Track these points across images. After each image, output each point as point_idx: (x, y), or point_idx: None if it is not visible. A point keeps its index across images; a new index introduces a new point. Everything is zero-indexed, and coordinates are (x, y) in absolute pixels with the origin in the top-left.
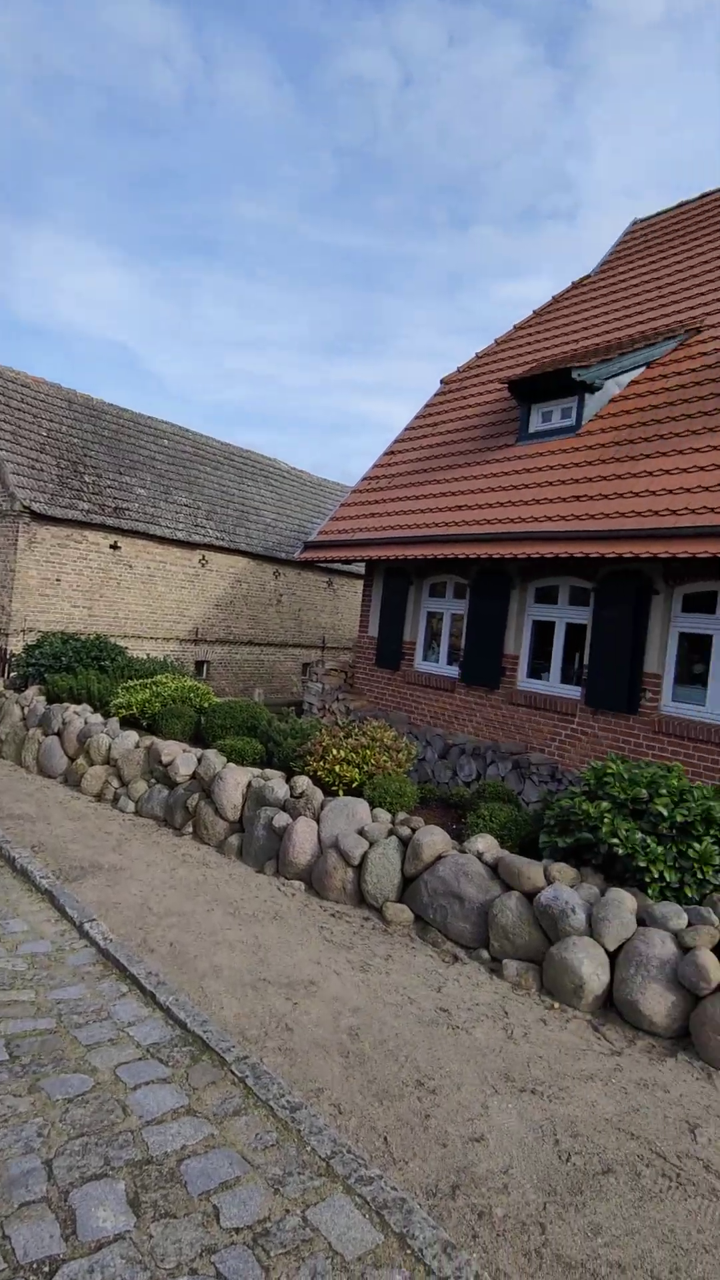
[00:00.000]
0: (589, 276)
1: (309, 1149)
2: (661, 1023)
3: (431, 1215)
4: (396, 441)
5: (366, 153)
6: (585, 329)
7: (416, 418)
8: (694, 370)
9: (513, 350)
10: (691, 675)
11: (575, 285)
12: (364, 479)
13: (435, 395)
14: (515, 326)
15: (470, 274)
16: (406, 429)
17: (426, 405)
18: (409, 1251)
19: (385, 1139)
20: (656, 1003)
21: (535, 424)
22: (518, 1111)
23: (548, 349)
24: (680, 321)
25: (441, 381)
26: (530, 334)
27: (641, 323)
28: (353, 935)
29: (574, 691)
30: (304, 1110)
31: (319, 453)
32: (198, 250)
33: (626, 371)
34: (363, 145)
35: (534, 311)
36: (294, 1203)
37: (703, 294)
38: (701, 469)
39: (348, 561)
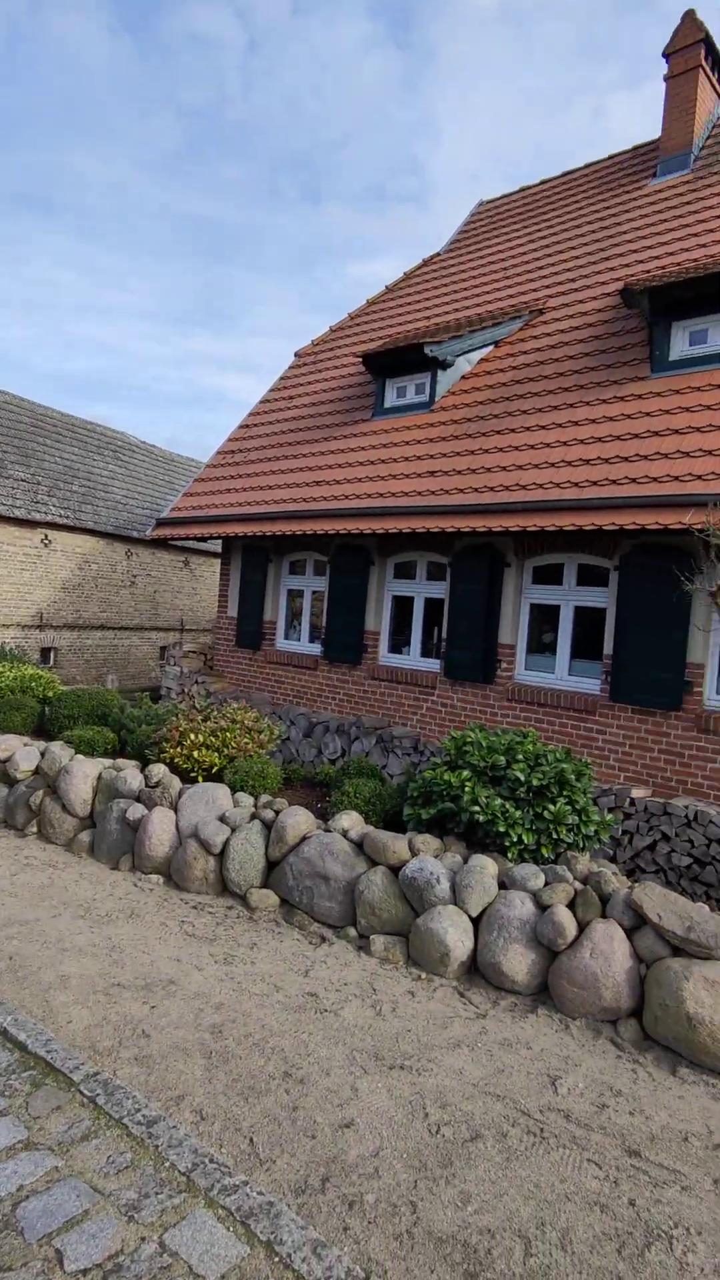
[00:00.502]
0: (438, 254)
1: (168, 1165)
2: (523, 981)
3: (301, 1214)
4: (251, 415)
5: (213, 116)
6: (436, 306)
7: (271, 391)
8: (539, 350)
9: (366, 325)
10: (542, 644)
11: (426, 262)
12: (218, 453)
13: (289, 368)
14: (368, 301)
15: (323, 251)
16: (261, 402)
17: (281, 378)
18: (277, 1259)
19: (251, 1139)
20: (518, 962)
21: (390, 399)
22: (387, 1090)
23: (400, 324)
24: (525, 302)
25: (296, 354)
26: (383, 309)
27: (489, 302)
28: (216, 926)
29: (434, 665)
30: (162, 1123)
31: (174, 428)
32: (29, 205)
33: (476, 349)
34: (209, 108)
35: (386, 287)
36: (151, 1228)
37: (544, 276)
38: (548, 445)
39: (203, 539)
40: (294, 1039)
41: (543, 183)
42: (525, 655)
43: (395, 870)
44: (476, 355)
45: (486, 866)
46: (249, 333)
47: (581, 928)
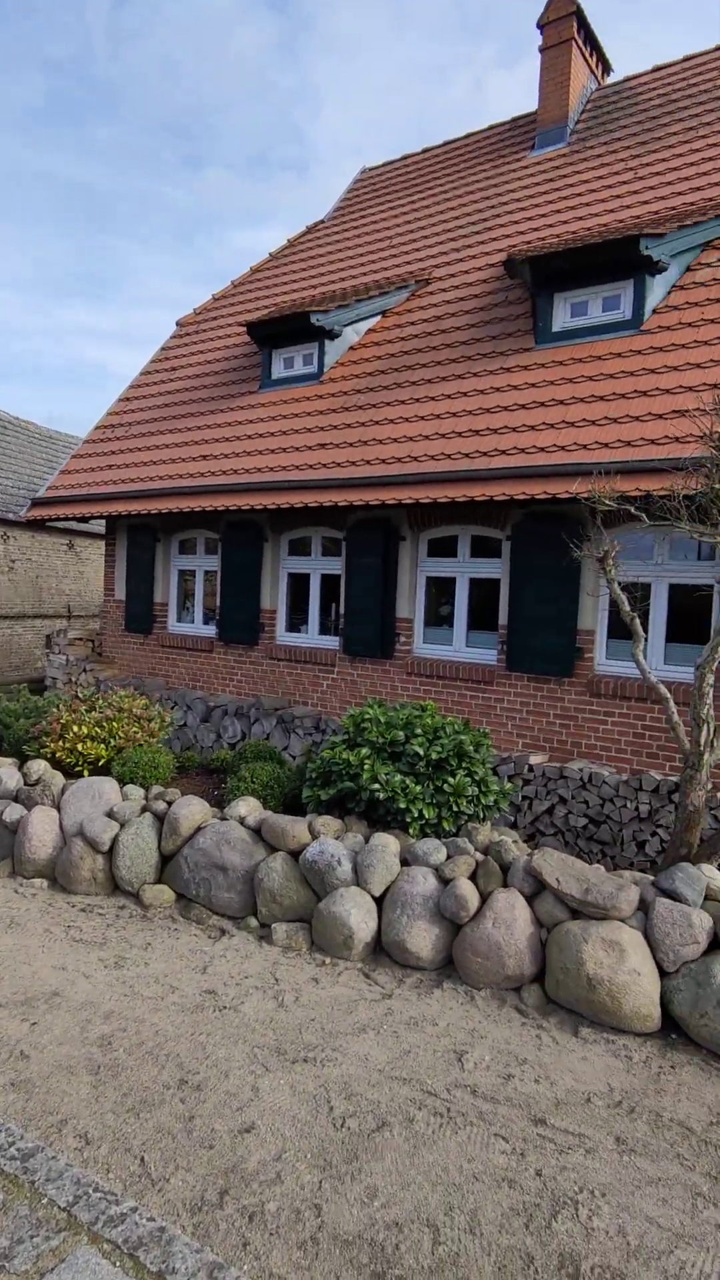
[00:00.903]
0: (322, 222)
1: (45, 1201)
2: (428, 956)
3: (196, 1236)
4: (132, 387)
5: (82, 73)
6: (322, 274)
7: (152, 362)
8: (426, 320)
9: (250, 293)
10: (439, 617)
11: (310, 229)
12: (97, 428)
13: (171, 338)
14: (251, 269)
15: (207, 219)
16: (142, 373)
17: (162, 349)
18: None
19: (142, 1159)
20: (422, 938)
21: (278, 370)
22: (290, 1086)
23: (285, 293)
24: (411, 272)
25: (177, 324)
26: (267, 277)
27: (375, 271)
28: (106, 929)
29: (332, 641)
30: (40, 1155)
31: (54, 405)
32: None
33: (363, 319)
34: (76, 63)
35: (270, 254)
36: (24, 1276)
37: (429, 246)
38: (438, 417)
39: (84, 519)
40: (191, 1042)
41: (425, 151)
42: (423, 629)
43: (296, 855)
44: (364, 325)
45: (388, 845)
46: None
47: (484, 898)
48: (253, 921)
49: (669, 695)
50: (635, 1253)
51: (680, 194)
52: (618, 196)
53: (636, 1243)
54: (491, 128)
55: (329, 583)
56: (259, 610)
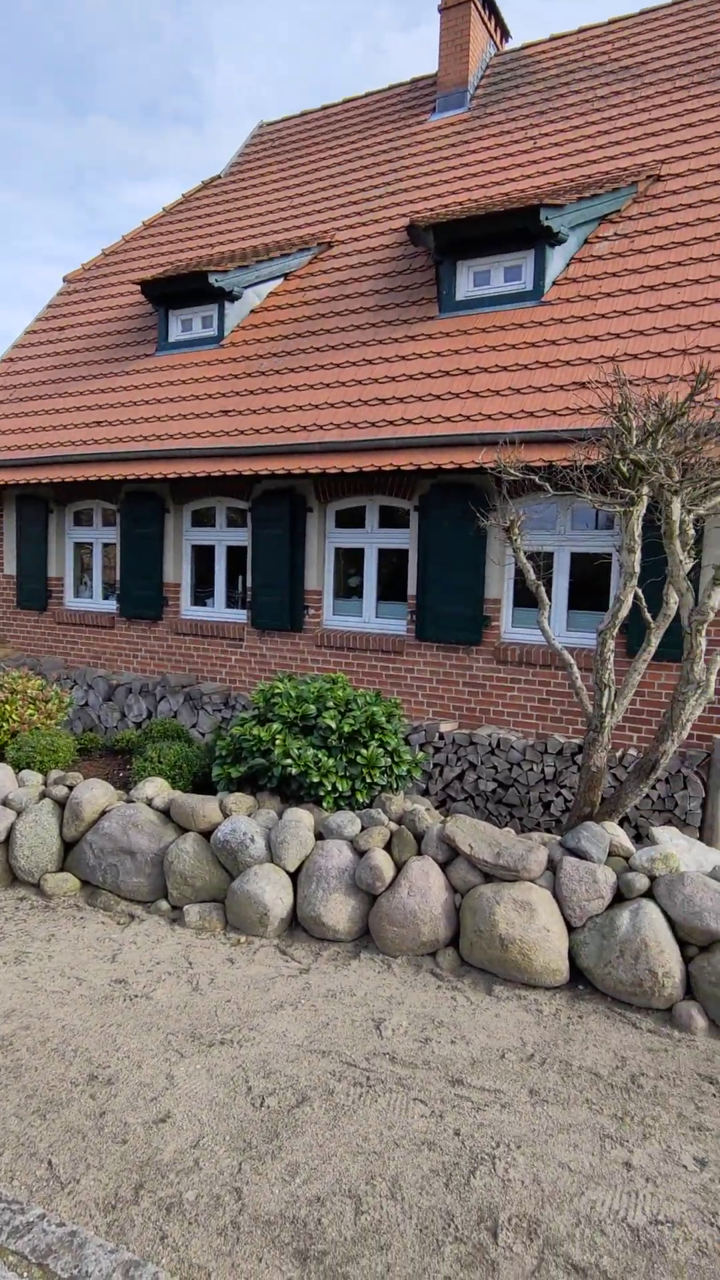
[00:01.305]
0: (219, 178)
1: None
2: (345, 929)
3: (111, 1235)
4: (15, 348)
5: None
6: (219, 232)
7: (38, 321)
8: (329, 285)
9: (144, 249)
10: (348, 589)
11: (206, 185)
12: None
13: (58, 295)
14: (145, 224)
15: (94, 170)
16: (27, 333)
17: (49, 306)
18: None
19: (50, 1162)
20: (339, 911)
21: (175, 332)
22: (207, 1070)
23: (181, 251)
24: (313, 234)
25: (65, 279)
26: (161, 233)
27: (276, 231)
28: (4, 923)
29: (240, 615)
30: None
31: None
32: None
33: (265, 281)
34: None
35: (164, 209)
36: None
37: (331, 208)
38: (343, 385)
39: None
40: (100, 1035)
41: (324, 108)
42: (333, 600)
43: (207, 835)
44: (266, 288)
45: (302, 819)
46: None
47: (399, 868)
48: (164, 905)
49: (573, 661)
50: (549, 1199)
51: (578, 166)
52: (518, 165)
53: (550, 1189)
54: (392, 88)
55: (235, 555)
56: (162, 584)
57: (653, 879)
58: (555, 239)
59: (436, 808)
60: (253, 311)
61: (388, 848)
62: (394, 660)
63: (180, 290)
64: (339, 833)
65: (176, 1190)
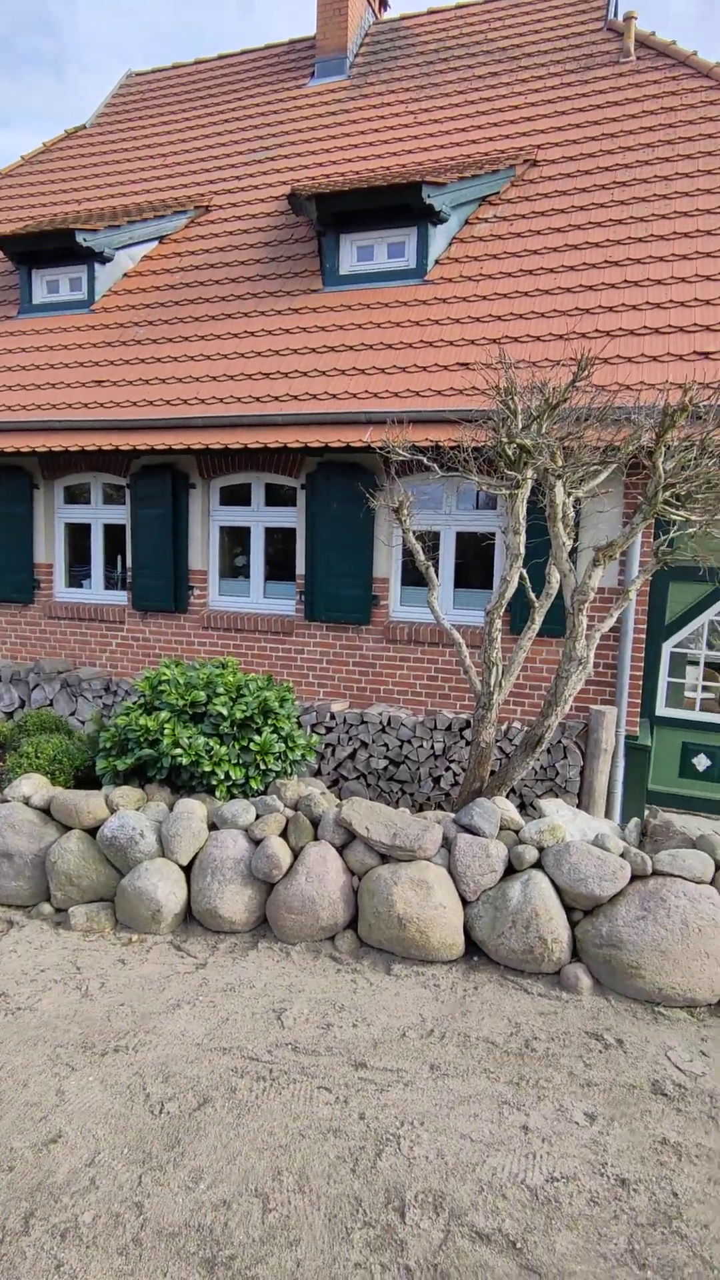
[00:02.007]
0: (84, 128)
1: None
2: (242, 919)
3: (1, 1271)
4: None
5: None
6: (86, 188)
7: None
8: (208, 251)
9: (1, 200)
10: (235, 568)
11: (71, 135)
12: None
13: None
14: (1, 172)
15: None
16: None
17: None
18: None
19: None
20: (235, 902)
21: (40, 294)
22: (101, 1081)
23: (44, 205)
24: (189, 196)
25: None
26: (21, 184)
27: (148, 191)
28: None
29: (120, 597)
30: None
31: None
32: None
33: (138, 244)
34: None
35: (23, 157)
36: None
37: (207, 169)
38: (225, 357)
39: None
40: None
41: (197, 62)
42: (219, 580)
43: (93, 832)
44: (139, 251)
45: (195, 810)
46: None
47: (296, 854)
48: (46, 908)
49: (461, 640)
50: (453, 1170)
51: (458, 145)
52: (399, 139)
53: (454, 1161)
54: (269, 47)
55: (113, 533)
56: (33, 565)
57: (541, 850)
58: (438, 217)
59: (329, 787)
60: (126, 275)
61: (284, 835)
62: (284, 641)
63: (45, 249)
64: (233, 822)
65: (72, 1214)
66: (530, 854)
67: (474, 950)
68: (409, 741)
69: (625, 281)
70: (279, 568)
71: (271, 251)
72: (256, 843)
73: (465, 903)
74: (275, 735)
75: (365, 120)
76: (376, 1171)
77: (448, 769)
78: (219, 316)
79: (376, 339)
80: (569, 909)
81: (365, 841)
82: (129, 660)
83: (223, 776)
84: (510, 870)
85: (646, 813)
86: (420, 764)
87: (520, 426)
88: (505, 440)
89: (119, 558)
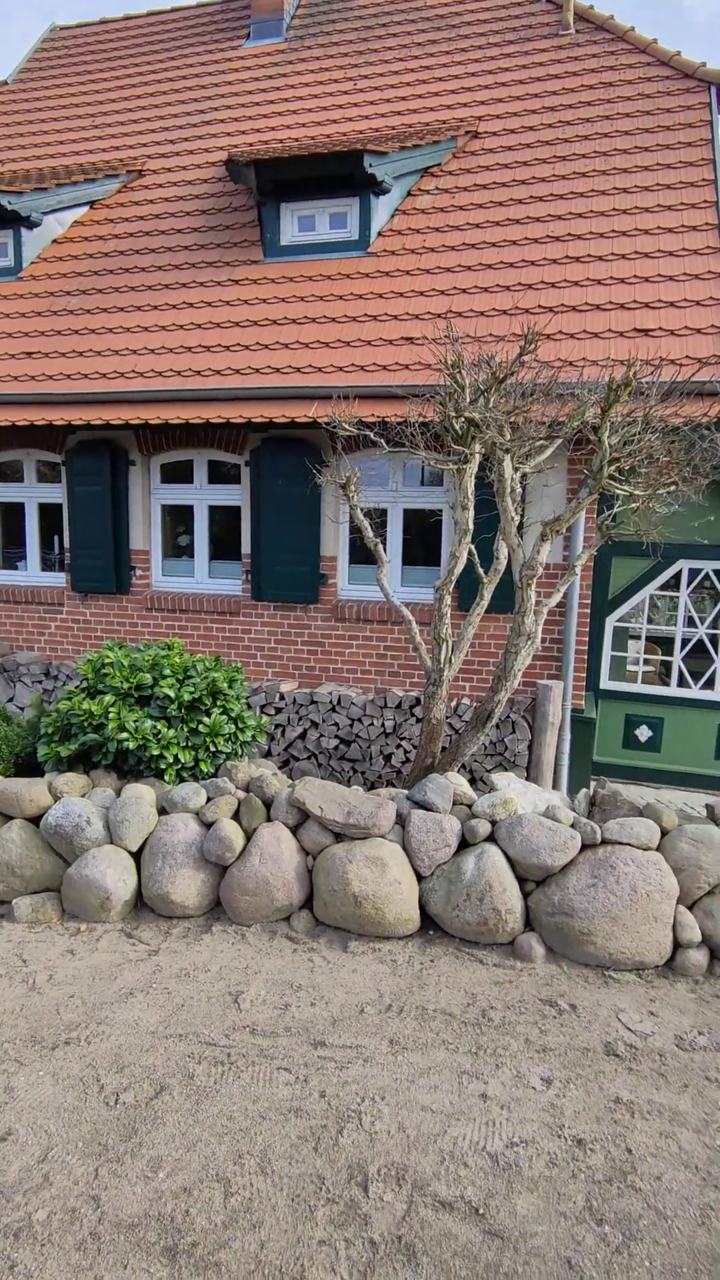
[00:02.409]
0: (5, 83)
1: None
2: (195, 903)
3: None
4: None
5: None
6: (9, 148)
7: None
8: (142, 218)
9: None
10: (178, 548)
11: None
12: None
13: None
14: None
15: None
16: None
17: None
18: None
19: None
20: (187, 886)
21: None
22: (52, 1075)
23: None
24: (121, 159)
25: None
26: None
27: (78, 153)
28: None
29: (58, 578)
30: None
31: None
32: None
33: (67, 208)
34: None
35: None
36: None
37: (139, 132)
38: (164, 329)
39: None
40: None
41: (127, 18)
42: (162, 560)
43: (36, 821)
44: (69, 216)
45: (143, 795)
46: None
47: (249, 836)
48: None
49: (411, 617)
50: (415, 1143)
51: (399, 114)
52: (339, 107)
53: (415, 1133)
54: (202, 5)
55: (49, 513)
56: None
57: (494, 823)
58: (380, 187)
59: (280, 768)
60: (55, 242)
61: (236, 817)
62: (230, 621)
63: None
64: (183, 806)
65: (24, 1212)
66: (483, 827)
67: (430, 924)
68: (359, 720)
69: (567, 257)
70: (224, 547)
71: (209, 220)
72: (208, 826)
73: (420, 878)
74: (225, 717)
75: (303, 85)
76: (339, 1149)
77: (398, 747)
78: (156, 286)
79: (320, 311)
80: (522, 880)
81: (319, 821)
82: (70, 643)
83: (171, 760)
84: (464, 844)
85: (595, 783)
86: (371, 742)
87: (468, 400)
88: (453, 414)
89: (56, 538)
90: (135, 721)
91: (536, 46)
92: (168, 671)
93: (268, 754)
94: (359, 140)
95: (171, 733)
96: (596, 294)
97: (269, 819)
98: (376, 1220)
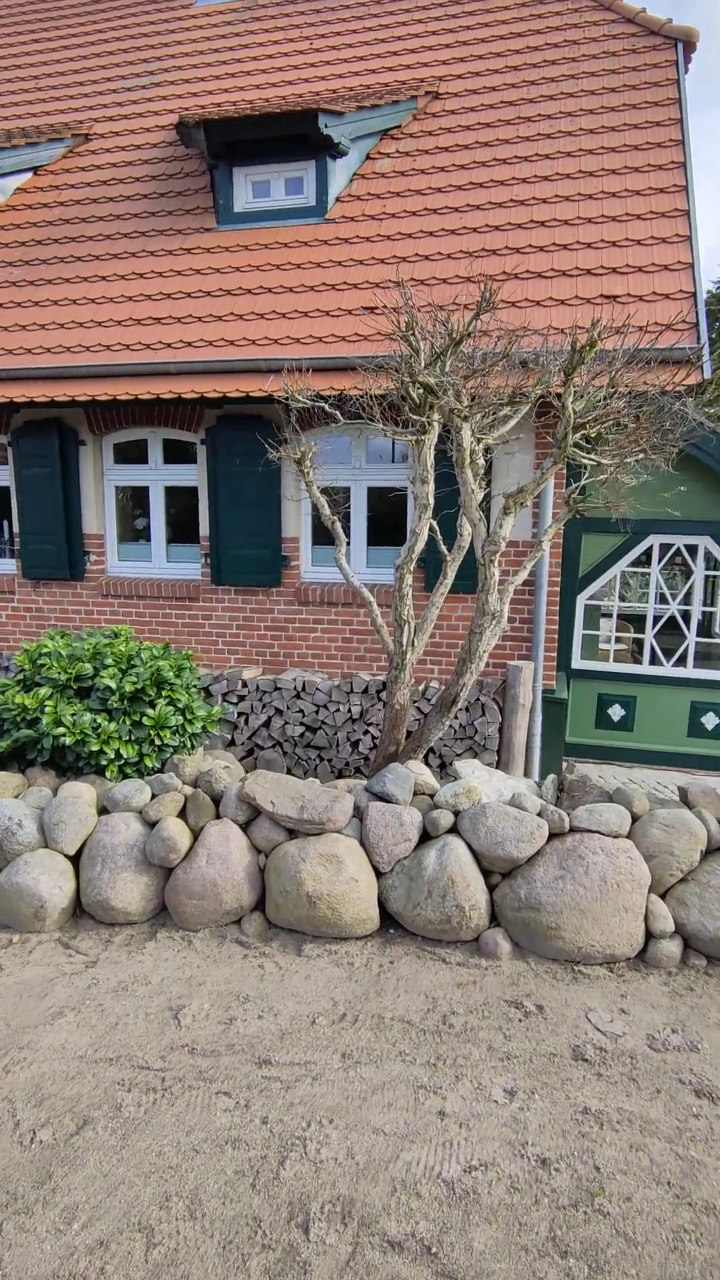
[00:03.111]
0: None
1: None
2: (138, 909)
3: None
4: None
5: None
6: None
7: None
8: (89, 185)
9: None
10: (134, 531)
11: None
12: None
13: None
14: None
15: None
16: None
17: None
18: None
19: None
20: (130, 891)
21: None
22: None
23: None
24: (66, 123)
25: None
26: None
27: (19, 116)
28: None
29: (9, 565)
30: None
31: None
32: None
33: (9, 174)
34: None
35: None
36: None
37: (85, 94)
38: (112, 300)
39: None
40: None
41: None
42: (117, 545)
43: None
44: (11, 182)
45: (82, 794)
46: None
47: (196, 835)
48: None
49: (372, 599)
50: (364, 1171)
51: (357, 75)
52: (295, 68)
53: (365, 1160)
54: None
55: None
56: None
57: (457, 814)
58: (336, 150)
59: (244, 757)
60: None
61: (182, 815)
62: (190, 607)
63: None
64: (126, 804)
65: None
66: (445, 819)
67: (390, 923)
68: (325, 706)
69: (532, 221)
70: (182, 529)
71: (160, 186)
72: (152, 825)
73: (379, 874)
74: (171, 708)
75: (258, 45)
76: (279, 1183)
77: (366, 732)
78: (104, 256)
79: (276, 281)
80: (486, 873)
81: (271, 817)
82: (22, 632)
83: (113, 755)
84: (426, 837)
85: (564, 767)
86: (338, 729)
87: (423, 365)
88: (408, 379)
89: (5, 523)
90: (73, 715)
91: (499, 4)
92: (110, 661)
93: (230, 744)
94: (314, 101)
95: (113, 726)
96: (562, 259)
97: (218, 816)
98: (318, 1267)
